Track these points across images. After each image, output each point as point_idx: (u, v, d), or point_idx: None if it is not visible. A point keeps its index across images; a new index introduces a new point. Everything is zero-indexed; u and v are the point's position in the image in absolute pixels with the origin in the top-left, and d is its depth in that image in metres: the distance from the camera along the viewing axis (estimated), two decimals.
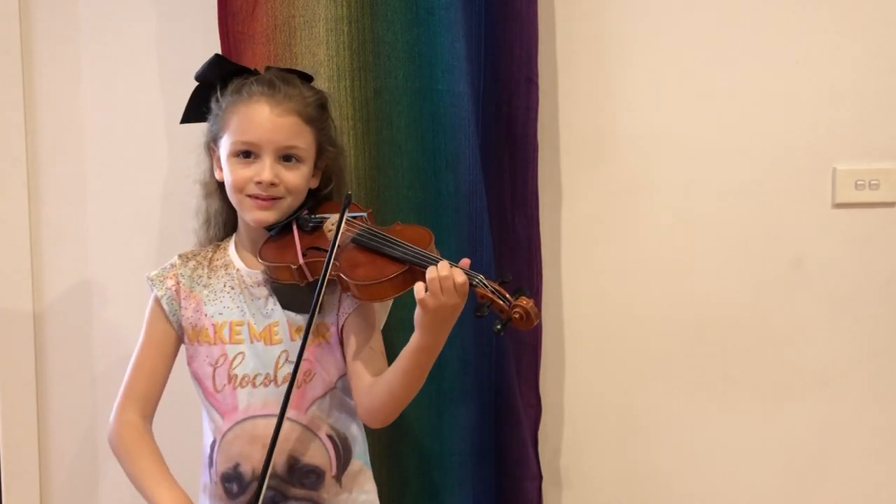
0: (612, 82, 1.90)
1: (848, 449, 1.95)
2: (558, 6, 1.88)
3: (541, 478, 1.88)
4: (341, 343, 1.47)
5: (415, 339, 1.34)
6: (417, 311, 1.32)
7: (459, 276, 1.29)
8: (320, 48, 1.74)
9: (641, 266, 1.92)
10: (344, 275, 1.38)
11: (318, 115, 1.49)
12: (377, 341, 1.47)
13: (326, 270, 1.37)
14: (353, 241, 1.43)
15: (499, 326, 1.28)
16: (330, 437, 1.47)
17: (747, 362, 1.94)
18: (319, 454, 1.46)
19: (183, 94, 1.89)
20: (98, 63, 1.91)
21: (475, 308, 1.30)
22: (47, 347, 1.94)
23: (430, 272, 1.29)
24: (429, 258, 1.34)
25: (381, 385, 1.40)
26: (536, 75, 1.82)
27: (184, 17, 1.88)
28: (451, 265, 1.31)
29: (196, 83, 1.54)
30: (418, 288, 1.30)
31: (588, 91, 1.90)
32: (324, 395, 1.47)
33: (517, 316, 1.27)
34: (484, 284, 1.31)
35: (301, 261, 1.41)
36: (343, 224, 1.40)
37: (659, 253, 1.92)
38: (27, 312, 1.93)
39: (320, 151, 1.50)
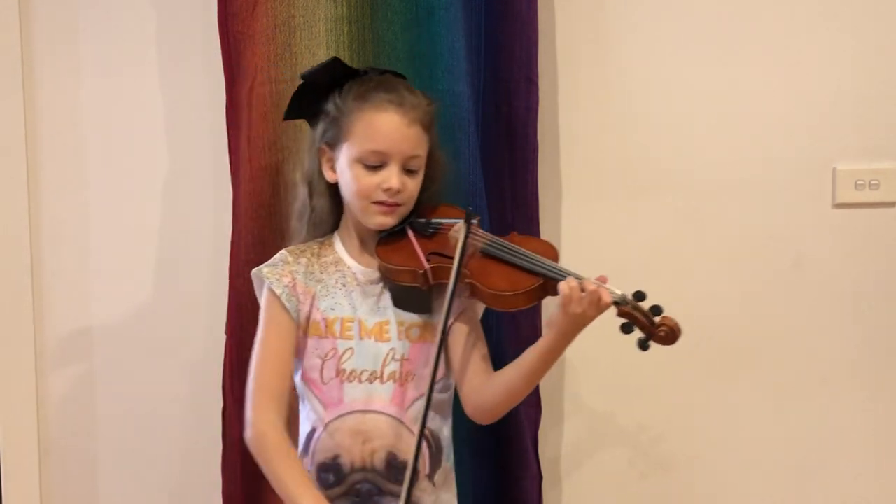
0: (612, 82, 1.90)
1: (848, 448, 1.95)
2: (558, 6, 1.88)
3: (541, 478, 1.88)
4: (446, 344, 1.51)
5: (546, 340, 1.40)
6: (556, 315, 1.37)
7: (606, 297, 1.35)
8: (320, 48, 1.73)
9: (641, 266, 1.92)
10: (478, 283, 1.44)
11: (431, 123, 1.53)
12: (483, 341, 1.53)
13: (457, 280, 1.43)
14: (483, 250, 1.48)
15: (643, 343, 1.38)
16: (425, 436, 1.49)
17: (747, 362, 1.94)
18: None
19: (183, 94, 1.90)
20: (98, 63, 1.91)
21: (621, 325, 1.38)
22: (47, 347, 1.94)
23: (585, 284, 1.36)
24: (563, 273, 1.40)
25: (498, 383, 1.46)
26: (536, 75, 1.82)
27: (184, 17, 1.88)
28: (598, 285, 1.37)
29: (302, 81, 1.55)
30: (563, 291, 1.36)
31: (588, 91, 1.90)
32: (424, 396, 1.48)
33: (662, 334, 1.37)
34: (626, 302, 1.37)
35: (427, 266, 1.46)
36: (468, 233, 1.46)
37: (659, 253, 1.92)
38: (27, 312, 1.92)
39: (429, 157, 1.54)
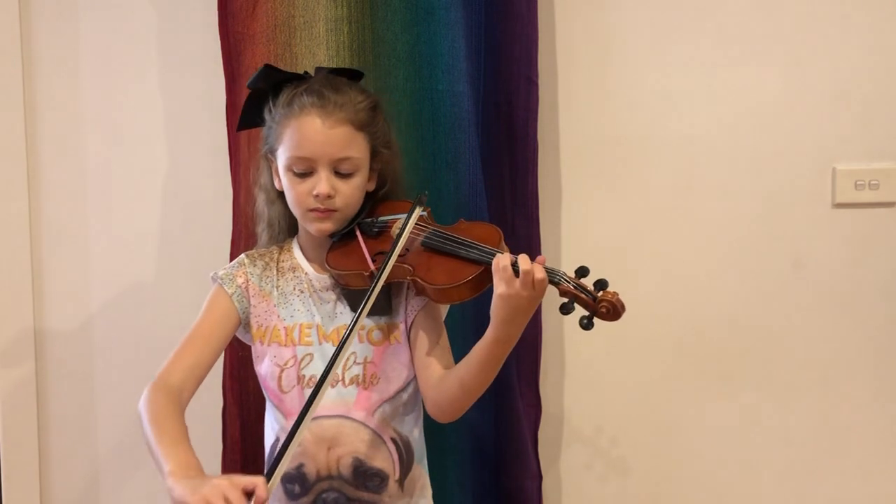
0: (612, 82, 1.90)
1: (848, 448, 1.95)
2: (558, 6, 1.88)
3: (541, 478, 1.88)
4: (409, 343, 1.48)
5: (490, 331, 1.33)
6: (494, 303, 1.31)
7: (539, 273, 1.28)
8: (320, 48, 1.74)
9: (641, 266, 1.92)
10: (420, 278, 1.39)
11: (369, 120, 1.48)
12: (444, 336, 1.49)
13: (381, 273, 1.38)
14: (424, 243, 1.44)
15: (585, 321, 1.29)
16: (394, 440, 1.47)
17: (747, 362, 1.94)
18: (384, 458, 1.46)
19: (183, 94, 1.90)
20: (98, 63, 1.91)
21: (560, 305, 1.31)
22: (47, 347, 1.95)
23: (521, 262, 1.29)
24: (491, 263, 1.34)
25: (451, 379, 1.40)
26: (536, 75, 1.82)
27: (184, 18, 1.88)
28: (531, 264, 1.31)
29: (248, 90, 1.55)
30: (494, 270, 1.30)
31: (588, 91, 1.90)
32: (390, 399, 1.47)
33: (604, 310, 1.28)
34: (566, 280, 1.31)
35: (372, 267, 1.42)
36: (410, 227, 1.42)
37: (659, 253, 1.92)
38: (27, 313, 1.92)
39: (374, 155, 1.50)
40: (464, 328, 1.63)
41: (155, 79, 1.90)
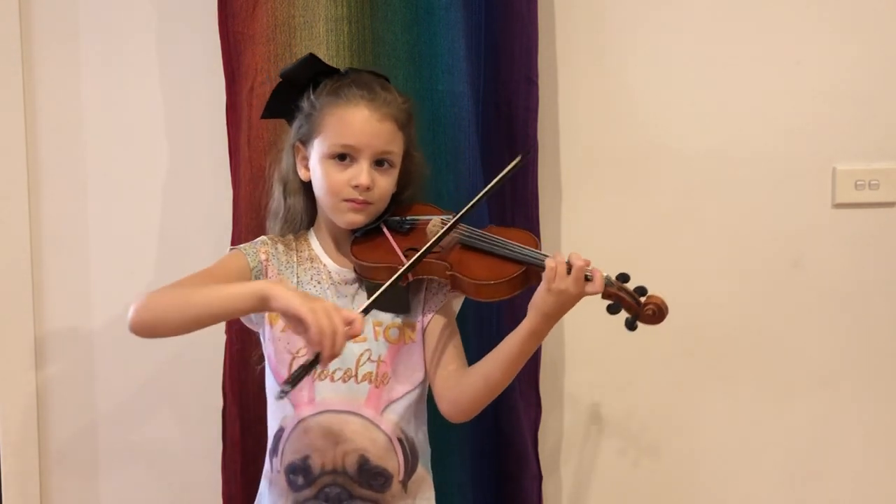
0: (611, 82, 1.90)
1: (848, 448, 1.95)
2: (558, 6, 1.88)
3: (541, 478, 1.88)
4: (423, 342, 1.49)
5: (527, 323, 1.36)
6: (539, 295, 1.35)
7: (598, 277, 1.34)
8: (320, 48, 1.73)
9: (641, 266, 1.90)
10: (459, 273, 1.41)
11: (407, 121, 1.51)
12: (458, 337, 1.51)
13: (413, 262, 1.39)
14: (462, 242, 1.46)
15: (629, 322, 1.36)
16: (400, 441, 1.47)
17: (747, 362, 1.94)
18: (389, 457, 1.47)
19: (183, 94, 1.90)
20: (98, 63, 1.91)
21: (607, 307, 1.36)
22: (47, 347, 1.94)
23: (572, 260, 1.34)
24: (546, 257, 1.37)
25: (475, 375, 1.43)
26: (536, 75, 1.82)
27: (184, 18, 1.88)
28: (585, 262, 1.35)
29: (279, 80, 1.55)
30: (549, 265, 1.34)
31: (588, 91, 1.90)
32: (400, 399, 1.48)
33: (650, 312, 1.36)
34: (611, 283, 1.36)
35: (404, 261, 1.43)
36: (447, 226, 1.44)
37: (659, 253, 1.92)
38: (27, 312, 1.92)
39: (405, 157, 1.53)
40: (463, 329, 1.63)
41: (155, 79, 1.90)
